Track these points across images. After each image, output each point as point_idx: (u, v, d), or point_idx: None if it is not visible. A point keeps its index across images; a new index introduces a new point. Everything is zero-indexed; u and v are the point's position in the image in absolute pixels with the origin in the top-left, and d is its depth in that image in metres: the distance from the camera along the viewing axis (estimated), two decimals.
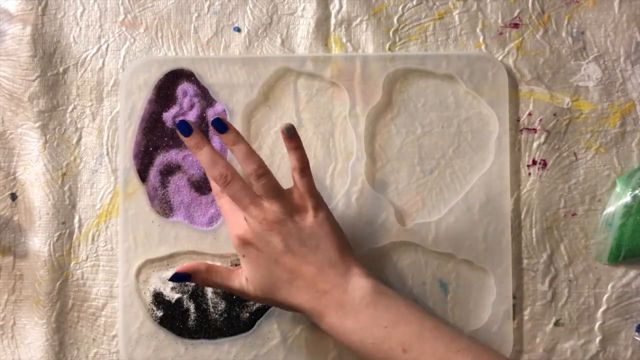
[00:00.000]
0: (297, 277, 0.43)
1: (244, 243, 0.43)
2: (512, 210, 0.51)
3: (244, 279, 0.44)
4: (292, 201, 0.44)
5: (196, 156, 0.44)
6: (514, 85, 0.52)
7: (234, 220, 0.44)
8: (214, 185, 0.47)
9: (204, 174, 0.52)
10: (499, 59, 0.52)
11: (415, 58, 0.52)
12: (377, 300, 0.43)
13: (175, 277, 0.45)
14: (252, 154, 0.44)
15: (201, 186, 0.52)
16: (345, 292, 0.43)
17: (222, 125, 0.43)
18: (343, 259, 0.44)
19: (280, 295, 0.44)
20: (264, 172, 0.43)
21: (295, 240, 0.43)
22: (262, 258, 0.43)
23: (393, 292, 0.44)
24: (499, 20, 0.53)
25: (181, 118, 0.45)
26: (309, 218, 0.44)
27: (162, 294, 0.52)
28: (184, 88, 0.52)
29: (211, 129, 0.45)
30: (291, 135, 0.44)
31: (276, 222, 0.43)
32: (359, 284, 0.43)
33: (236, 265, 0.52)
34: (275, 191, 0.44)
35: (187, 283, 0.51)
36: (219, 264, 0.52)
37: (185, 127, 0.44)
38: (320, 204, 0.45)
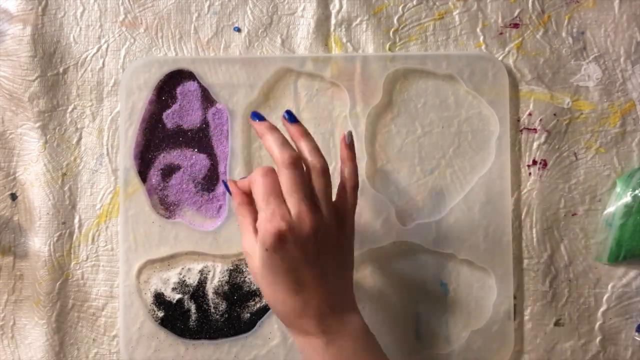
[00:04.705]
0: (304, 288, 0.41)
1: (281, 239, 0.39)
2: (513, 210, 0.51)
3: (255, 250, 0.41)
4: (334, 212, 0.42)
5: (265, 139, 0.42)
6: (514, 85, 0.52)
7: (272, 212, 0.40)
8: (238, 193, 0.44)
9: (205, 174, 0.52)
10: (499, 59, 0.52)
11: (415, 58, 0.52)
12: (364, 339, 0.42)
13: (225, 185, 0.46)
14: (318, 150, 0.42)
15: (202, 186, 0.52)
16: (342, 321, 0.42)
17: (292, 117, 0.44)
18: (349, 287, 0.43)
19: (280, 293, 0.41)
20: (326, 170, 0.42)
21: (322, 255, 0.41)
22: (285, 263, 0.40)
23: (374, 339, 0.43)
24: (499, 20, 0.53)
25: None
26: (339, 234, 0.43)
27: (163, 294, 0.52)
28: (184, 88, 0.52)
29: (282, 119, 0.44)
30: (351, 144, 0.44)
31: (316, 226, 0.40)
32: (354, 318, 0.42)
33: (237, 265, 0.52)
34: (329, 196, 0.42)
35: (187, 284, 0.51)
36: (219, 264, 0.52)
37: (257, 115, 0.44)
38: (351, 223, 0.44)
